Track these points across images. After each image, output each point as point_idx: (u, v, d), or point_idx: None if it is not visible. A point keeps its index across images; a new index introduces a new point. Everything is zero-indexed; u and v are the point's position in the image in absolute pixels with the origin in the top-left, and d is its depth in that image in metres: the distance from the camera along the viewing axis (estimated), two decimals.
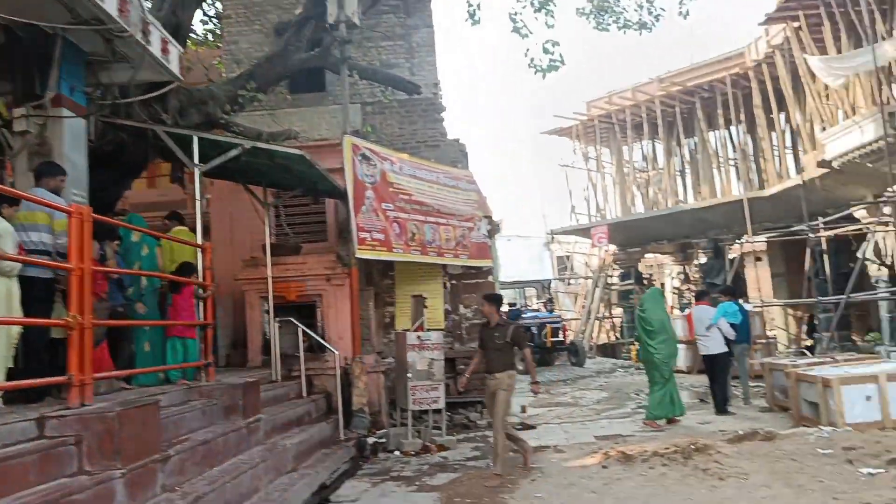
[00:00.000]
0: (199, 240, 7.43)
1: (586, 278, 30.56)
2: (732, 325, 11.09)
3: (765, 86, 21.11)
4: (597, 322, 27.55)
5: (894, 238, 14.98)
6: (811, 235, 17.04)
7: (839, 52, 16.48)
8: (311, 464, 7.58)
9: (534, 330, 20.24)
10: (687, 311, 15.90)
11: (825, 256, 17.85)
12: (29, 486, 3.80)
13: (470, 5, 12.93)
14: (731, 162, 25.42)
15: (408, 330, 10.27)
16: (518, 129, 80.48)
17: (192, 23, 11.11)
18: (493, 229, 12.62)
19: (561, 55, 12.32)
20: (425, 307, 10.76)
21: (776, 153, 22.86)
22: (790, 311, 23.75)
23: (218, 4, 17.38)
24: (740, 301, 12.66)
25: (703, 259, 25.05)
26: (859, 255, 16.25)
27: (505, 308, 20.31)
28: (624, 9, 13.61)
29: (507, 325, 7.85)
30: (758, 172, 23.39)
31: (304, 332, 9.62)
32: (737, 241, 21.32)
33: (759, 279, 22.54)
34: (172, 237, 7.95)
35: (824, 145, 16.58)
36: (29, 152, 6.39)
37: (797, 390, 9.31)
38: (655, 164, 27.77)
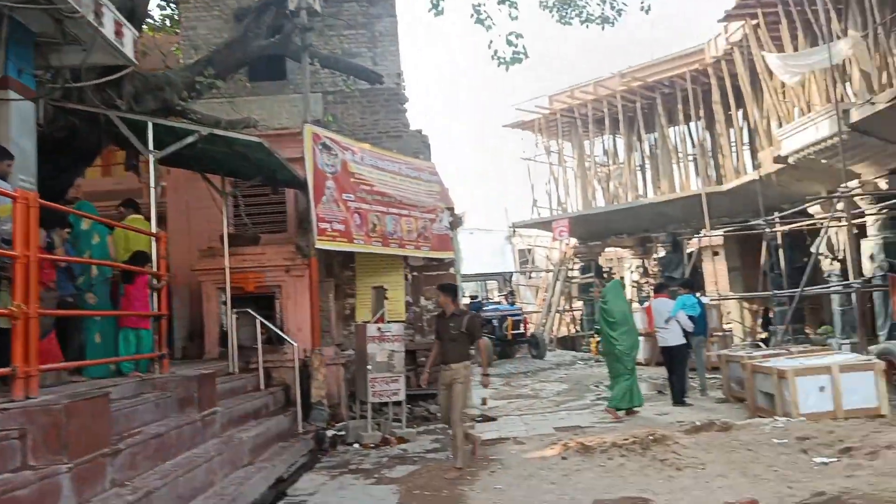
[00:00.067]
0: (154, 228, 7.24)
1: (547, 271, 30.72)
2: (691, 318, 11.23)
3: (723, 82, 21.39)
4: (557, 315, 27.73)
5: (846, 233, 15.28)
6: (767, 230, 17.32)
7: (796, 49, 16.75)
8: (268, 457, 7.46)
9: (495, 322, 20.25)
10: (646, 304, 16.05)
11: (780, 251, 18.17)
12: None
13: None
14: (690, 157, 25.75)
15: (368, 321, 10.18)
16: (484, 123, 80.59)
17: (149, 7, 10.82)
18: (456, 221, 12.56)
19: (524, 47, 12.29)
20: (386, 298, 10.68)
21: (734, 149, 23.20)
22: (746, 304, 24.20)
23: None
24: (698, 294, 12.82)
25: (661, 253, 25.35)
26: (813, 249, 16.58)
27: (466, 301, 20.35)
28: (587, 2, 13.63)
29: (463, 314, 7.74)
30: (716, 168, 23.73)
31: (263, 324, 9.47)
32: (695, 235, 21.61)
33: (716, 273, 22.87)
34: (126, 225, 7.74)
35: (780, 141, 16.85)
36: None
37: (753, 382, 9.46)
38: (616, 158, 28.00)
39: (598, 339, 21.06)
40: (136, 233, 7.64)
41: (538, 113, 27.32)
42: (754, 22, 17.78)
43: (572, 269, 28.40)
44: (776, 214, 17.07)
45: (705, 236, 20.86)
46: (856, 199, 15.12)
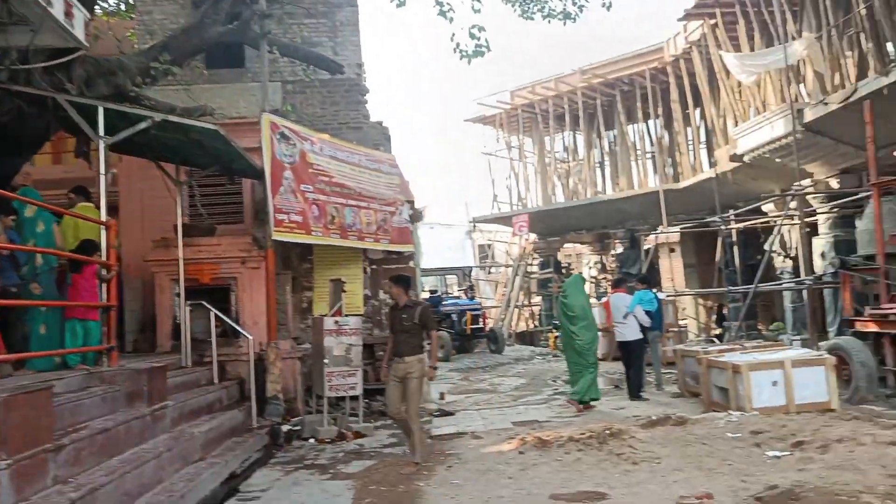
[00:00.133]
0: (104, 216, 7.01)
1: (506, 266, 30.82)
2: (648, 313, 11.33)
3: (682, 81, 21.65)
4: (516, 310, 27.83)
5: (799, 231, 15.59)
6: (723, 227, 17.60)
7: (752, 50, 17.02)
8: (220, 452, 7.30)
9: (454, 317, 20.23)
10: (604, 299, 16.17)
11: (735, 248, 18.47)
12: None
13: None
14: (649, 155, 26.06)
15: (325, 315, 10.04)
16: (446, 116, 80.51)
17: None
18: (416, 215, 12.48)
19: (487, 41, 12.21)
20: (344, 292, 10.53)
21: (691, 147, 23.53)
22: (701, 300, 24.56)
23: None
24: (654, 290, 12.95)
25: (619, 249, 25.61)
26: (766, 247, 16.89)
27: (426, 295, 20.26)
28: None
29: (416, 305, 7.60)
30: (673, 165, 24.02)
31: (217, 317, 9.27)
32: (652, 231, 21.86)
33: (672, 269, 23.14)
34: (74, 213, 7.49)
35: (736, 140, 17.12)
36: None
37: (708, 376, 9.56)
38: (576, 154, 28.19)
39: (557, 334, 21.21)
40: (86, 221, 7.40)
41: (499, 108, 27.35)
42: (713, 22, 18.02)
43: (531, 265, 28.53)
44: (731, 212, 17.34)
45: (662, 233, 21.13)
46: (808, 197, 15.44)
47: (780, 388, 8.52)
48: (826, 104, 13.44)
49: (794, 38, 15.11)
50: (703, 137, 23.42)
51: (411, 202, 12.22)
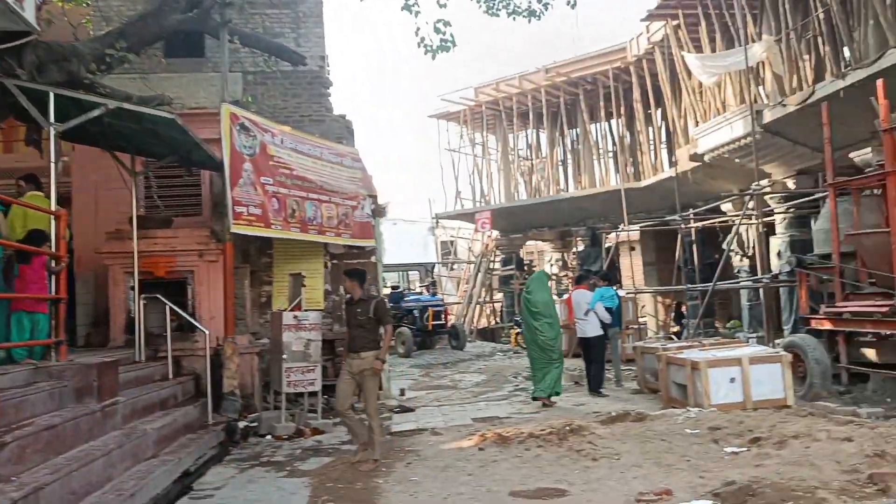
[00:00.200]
0: (54, 206, 6.78)
1: (469, 263, 30.83)
2: (608, 310, 11.38)
3: (644, 81, 21.84)
4: (478, 306, 27.86)
5: (756, 231, 15.84)
6: (682, 226, 17.80)
7: (713, 51, 17.22)
8: (174, 450, 7.11)
9: (415, 313, 20.15)
10: (565, 296, 16.24)
11: (694, 247, 18.69)
12: None
13: None
14: (610, 154, 26.27)
15: (284, 309, 9.88)
16: (413, 112, 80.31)
17: None
18: (378, 210, 12.36)
19: (452, 36, 12.12)
20: (304, 286, 10.40)
21: (652, 146, 23.77)
22: (659, 298, 24.86)
23: None
24: (615, 287, 13.04)
25: (580, 247, 25.78)
26: (725, 246, 17.13)
27: (387, 291, 20.14)
28: None
29: (370, 299, 7.41)
30: (634, 164, 24.24)
31: (173, 311, 9.07)
32: (613, 229, 22.04)
33: (632, 267, 23.41)
34: (22, 202, 7.24)
35: (697, 140, 17.32)
36: None
37: (667, 373, 9.64)
38: (539, 152, 28.28)
39: (518, 330, 21.27)
40: (35, 210, 7.15)
41: (463, 104, 27.32)
42: (675, 22, 18.19)
43: (493, 262, 28.58)
44: (691, 211, 17.55)
45: (623, 231, 21.31)
46: (766, 197, 15.68)
47: (737, 384, 8.62)
48: (784, 106, 13.65)
49: (754, 41, 15.32)
50: (663, 137, 23.67)
51: (374, 197, 12.10)
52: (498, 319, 28.46)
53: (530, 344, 10.65)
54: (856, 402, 9.19)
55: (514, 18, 13.71)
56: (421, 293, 23.49)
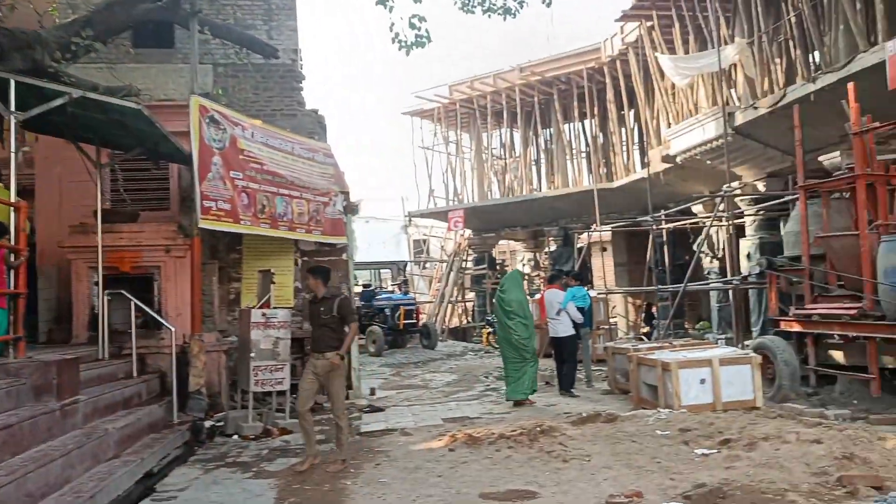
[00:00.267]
0: (13, 197, 6.56)
1: (441, 262, 30.75)
2: (580, 310, 11.37)
3: (618, 82, 21.93)
4: (450, 305, 27.80)
5: (726, 232, 15.96)
6: (654, 227, 17.89)
7: (687, 52, 17.32)
8: (137, 450, 6.94)
9: (387, 312, 20.02)
10: (537, 296, 16.23)
11: (665, 248, 18.80)
12: None
13: None
14: (583, 154, 26.34)
15: (253, 307, 9.71)
16: (383, 97, 79.98)
17: None
18: (350, 207, 12.20)
19: (427, 31, 12.00)
20: (273, 283, 10.22)
21: (625, 147, 23.87)
22: (630, 298, 24.99)
23: None
24: (587, 287, 13.04)
25: (553, 247, 25.83)
26: (695, 247, 17.24)
27: (359, 289, 19.98)
28: None
29: (333, 297, 7.19)
30: (607, 165, 24.33)
31: (138, 307, 8.86)
32: (586, 230, 22.11)
33: (603, 268, 23.45)
34: None
35: (669, 141, 17.41)
36: None
37: (638, 374, 9.63)
38: (513, 151, 28.29)
39: (490, 330, 21.24)
40: None
41: (437, 101, 27.22)
42: (649, 23, 18.26)
43: (466, 261, 28.53)
44: (662, 212, 17.64)
45: (595, 231, 21.38)
46: (736, 199, 15.80)
47: (707, 385, 8.63)
48: (756, 108, 13.76)
49: (726, 43, 15.43)
50: (636, 138, 23.80)
51: (346, 193, 11.95)
52: (470, 319, 28.42)
53: (503, 343, 10.60)
54: (823, 403, 9.27)
55: (489, 16, 13.64)
56: (393, 292, 23.36)
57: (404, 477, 6.44)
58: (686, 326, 21.38)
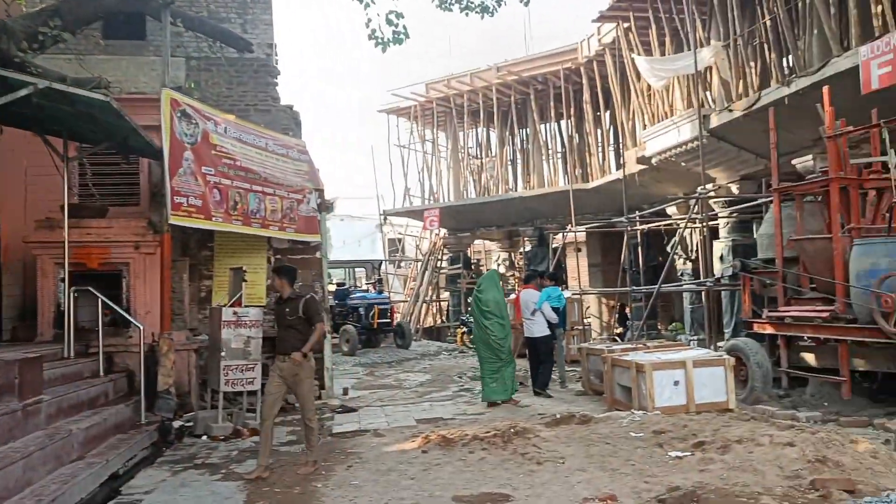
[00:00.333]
0: None
1: (416, 261, 30.65)
2: (555, 310, 11.34)
3: (594, 82, 21.99)
4: (424, 305, 27.71)
5: (699, 234, 16.06)
6: (628, 228, 17.96)
7: (663, 54, 17.40)
8: (102, 451, 6.77)
9: (361, 311, 19.88)
10: (512, 296, 16.21)
11: (639, 249, 18.90)
12: None
13: None
14: (559, 154, 26.39)
15: (224, 305, 9.54)
16: (361, 107, 79.66)
17: None
18: (325, 205, 12.06)
19: (405, 28, 11.89)
20: (245, 281, 10.04)
21: (600, 148, 23.95)
22: (604, 299, 25.10)
23: None
24: (561, 288, 13.02)
25: (528, 247, 25.86)
26: (669, 249, 17.34)
27: (333, 288, 19.81)
28: None
29: (299, 298, 6.98)
30: (583, 166, 24.40)
31: (106, 304, 8.67)
32: (561, 230, 22.15)
33: (578, 268, 23.52)
34: None
35: (645, 143, 17.48)
36: None
37: (612, 375, 9.62)
38: (489, 151, 28.27)
39: (464, 330, 21.19)
40: None
41: (414, 100, 27.11)
42: (626, 25, 18.31)
43: (441, 260, 28.46)
44: (637, 213, 17.71)
45: (570, 231, 21.43)
46: (710, 202, 15.90)
47: (681, 387, 8.63)
48: (731, 111, 13.84)
49: (702, 45, 15.51)
50: (612, 139, 23.88)
51: (320, 191, 11.80)
52: (444, 318, 28.36)
53: (480, 343, 10.53)
54: (794, 405, 9.34)
55: (466, 14, 13.57)
56: (367, 291, 23.22)
57: (376, 479, 6.34)
58: (659, 327, 21.52)
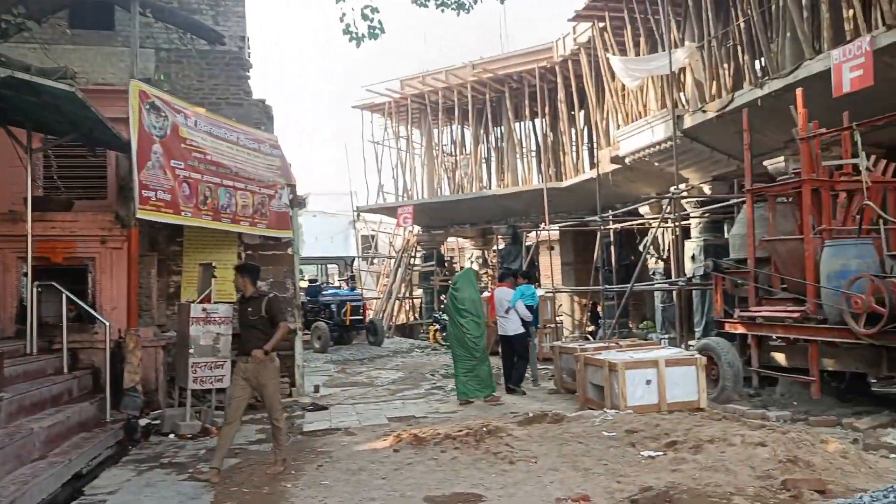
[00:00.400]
0: None
1: (389, 258, 30.52)
2: (529, 308, 11.33)
3: (569, 82, 22.00)
4: (397, 302, 27.60)
5: (671, 234, 16.15)
6: (601, 227, 18.01)
7: (638, 54, 17.46)
8: (65, 450, 6.61)
9: (333, 308, 19.74)
10: (486, 294, 16.19)
11: (612, 248, 18.96)
12: None
13: None
14: (534, 153, 26.42)
15: (193, 301, 9.37)
16: (335, 102, 79.19)
17: None
18: (297, 200, 11.91)
19: (381, 22, 11.77)
20: (214, 277, 9.86)
21: (574, 147, 24.00)
22: (576, 298, 25.21)
23: None
24: (535, 286, 13.02)
25: (501, 245, 25.86)
26: (641, 248, 17.42)
27: (304, 284, 19.63)
28: None
29: (262, 297, 6.78)
30: (557, 164, 24.44)
31: (71, 300, 8.47)
32: (534, 228, 22.19)
33: (551, 266, 23.59)
34: None
35: (619, 142, 17.53)
36: None
37: (585, 374, 9.61)
38: (464, 149, 28.21)
39: (437, 327, 21.12)
40: None
41: (388, 96, 26.95)
42: (601, 24, 18.34)
43: (414, 257, 28.37)
44: (610, 213, 17.77)
45: (543, 230, 21.47)
46: (682, 202, 15.99)
47: (653, 386, 8.65)
48: (704, 112, 13.91)
49: (677, 46, 15.58)
50: (586, 139, 23.94)
51: (292, 186, 11.65)
52: (417, 316, 28.27)
53: (454, 341, 10.47)
54: (764, 405, 9.41)
55: (442, 10, 13.48)
56: (340, 287, 23.07)
57: (347, 479, 6.25)
58: (630, 326, 21.62)
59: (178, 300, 10.60)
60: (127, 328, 8.89)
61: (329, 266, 27.56)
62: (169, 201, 9.13)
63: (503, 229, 25.04)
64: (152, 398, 9.35)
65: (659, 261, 18.15)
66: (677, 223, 15.38)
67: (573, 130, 23.89)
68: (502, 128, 26.40)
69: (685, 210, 16.10)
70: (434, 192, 27.33)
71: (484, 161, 27.43)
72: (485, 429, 7.33)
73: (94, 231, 9.38)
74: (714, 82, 14.83)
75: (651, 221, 17.63)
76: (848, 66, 9.99)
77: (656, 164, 16.20)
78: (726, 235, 14.29)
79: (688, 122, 14.44)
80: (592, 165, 20.32)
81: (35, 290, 8.43)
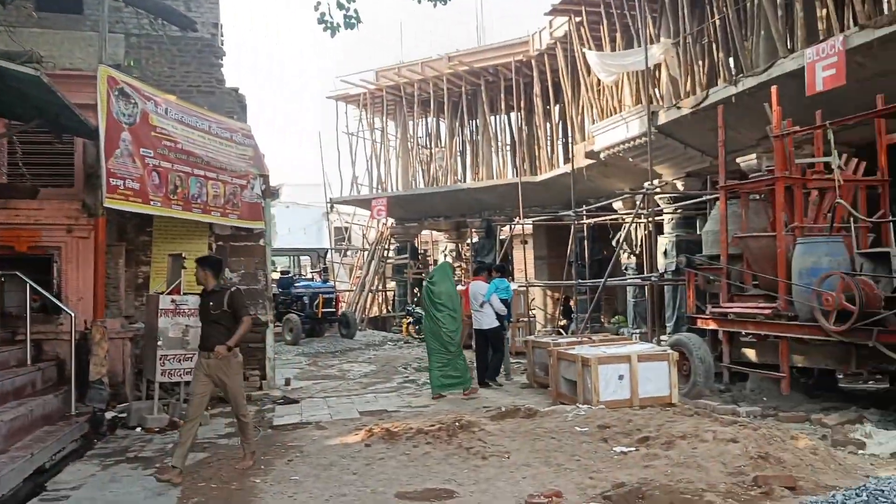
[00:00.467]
0: None
1: (363, 250, 30.36)
2: (504, 301, 11.30)
3: (545, 76, 21.99)
4: (370, 294, 27.47)
5: (644, 229, 16.22)
6: (575, 222, 18.05)
7: (614, 50, 17.49)
8: (27, 444, 6.46)
9: (305, 300, 19.58)
10: (461, 288, 16.15)
11: (585, 242, 19.03)
12: None
13: None
14: (508, 146, 26.40)
15: (162, 292, 9.20)
16: (309, 92, 78.53)
17: None
18: (269, 191, 11.74)
19: (357, 12, 11.62)
20: (184, 268, 9.69)
21: (549, 142, 24.03)
22: (549, 292, 25.28)
23: None
24: (508, 280, 12.99)
25: (475, 238, 25.84)
26: (615, 243, 17.49)
27: (276, 276, 19.43)
28: None
29: (224, 290, 6.52)
30: (532, 159, 24.45)
31: (34, 290, 8.27)
32: (508, 222, 22.19)
33: (524, 260, 23.62)
34: None
35: (593, 137, 17.56)
36: None
37: (557, 368, 9.61)
38: (439, 141, 28.11)
39: (409, 320, 21.06)
40: None
41: (363, 87, 26.74)
42: (577, 19, 18.34)
43: (388, 250, 28.25)
44: (584, 207, 17.81)
45: (517, 224, 21.47)
46: (656, 197, 16.07)
47: (626, 381, 8.68)
48: (679, 108, 13.96)
49: (653, 42, 15.62)
50: (561, 133, 23.97)
51: (265, 176, 11.48)
52: (390, 308, 28.16)
53: (429, 335, 10.41)
54: (735, 400, 9.46)
55: (419, 1, 13.35)
56: (312, 279, 22.89)
57: (317, 474, 6.17)
58: (602, 320, 21.74)
59: (146, 291, 10.41)
60: (93, 319, 8.73)
61: (302, 258, 27.37)
62: (138, 190, 8.95)
63: (477, 223, 25.05)
64: (119, 391, 9.19)
65: (632, 256, 18.24)
66: (650, 219, 15.45)
67: (548, 125, 23.91)
68: (477, 121, 26.34)
69: (658, 206, 16.18)
70: (408, 184, 27.21)
71: (459, 154, 27.35)
72: (457, 423, 7.29)
73: (60, 220, 9.18)
74: (689, 79, 14.89)
75: (624, 217, 17.70)
76: (821, 66, 10.05)
77: (630, 159, 16.25)
78: (699, 232, 14.37)
79: (662, 118, 14.49)
80: (567, 160, 20.33)
81: None
